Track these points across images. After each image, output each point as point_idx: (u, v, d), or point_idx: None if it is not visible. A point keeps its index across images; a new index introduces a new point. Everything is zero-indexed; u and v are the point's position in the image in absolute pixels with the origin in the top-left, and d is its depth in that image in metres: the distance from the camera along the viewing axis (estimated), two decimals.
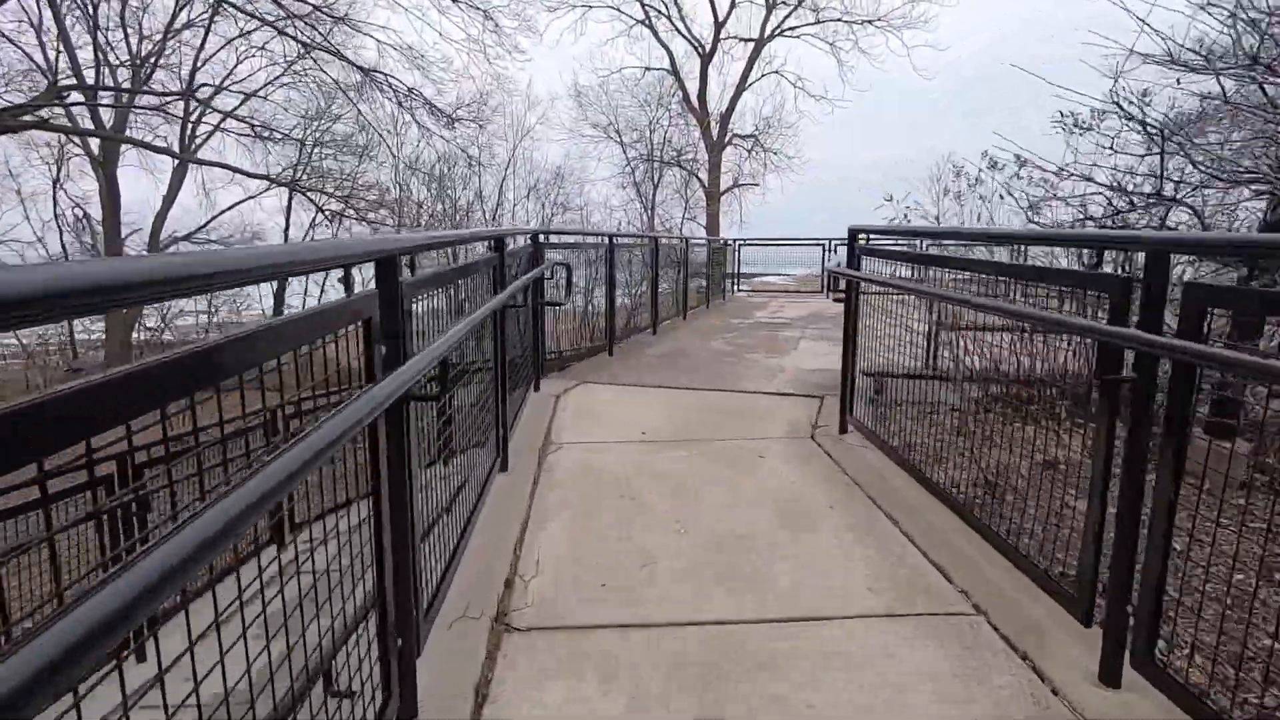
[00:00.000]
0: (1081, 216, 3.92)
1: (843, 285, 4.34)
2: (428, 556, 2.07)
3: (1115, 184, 3.81)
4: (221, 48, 19.67)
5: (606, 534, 2.81)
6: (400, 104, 13.71)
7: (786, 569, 2.51)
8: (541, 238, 5.21)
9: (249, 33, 18.52)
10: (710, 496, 3.19)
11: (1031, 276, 2.34)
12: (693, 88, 23.39)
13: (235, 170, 17.09)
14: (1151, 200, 3.75)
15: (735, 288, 14.68)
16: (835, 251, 14.04)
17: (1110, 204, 3.79)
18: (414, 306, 1.96)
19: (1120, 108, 4.12)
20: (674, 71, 23.31)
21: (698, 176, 23.88)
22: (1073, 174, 3.94)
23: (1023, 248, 4.14)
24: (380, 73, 13.60)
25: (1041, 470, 3.06)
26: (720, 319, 10.24)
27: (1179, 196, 3.75)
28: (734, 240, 14.41)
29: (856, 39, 21.95)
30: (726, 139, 23.44)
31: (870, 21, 21.48)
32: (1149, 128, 4.10)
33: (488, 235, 3.19)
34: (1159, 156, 3.87)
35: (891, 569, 2.52)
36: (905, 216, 5.21)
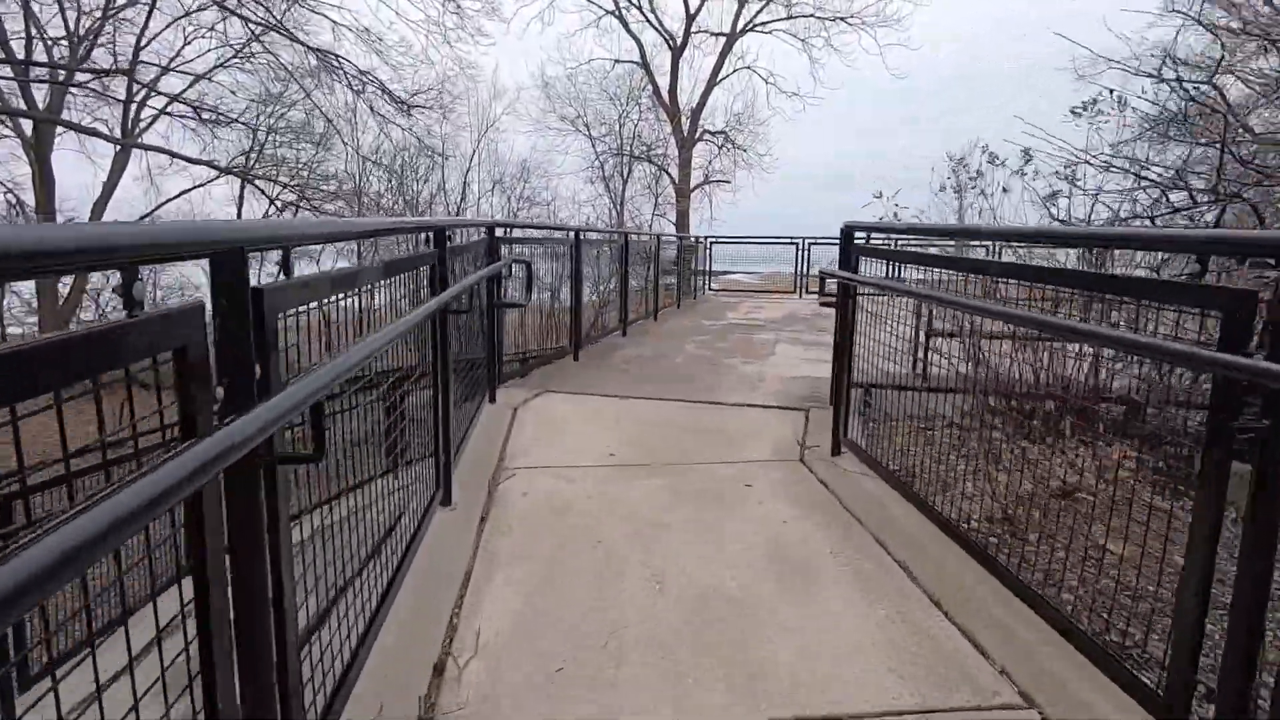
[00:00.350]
0: (1123, 213, 3.53)
1: (832, 286, 3.90)
2: (319, 660, 1.54)
3: (1175, 176, 3.43)
4: (166, 27, 18.61)
5: (566, 593, 2.31)
6: (353, 88, 12.90)
7: (786, 643, 2.04)
8: (500, 232, 4.68)
9: (194, 11, 17.50)
10: (690, 539, 2.71)
11: (1107, 288, 1.89)
12: (663, 82, 22.93)
13: (176, 156, 16.11)
14: (1212, 196, 3.38)
15: (707, 286, 14.26)
16: (809, 251, 13.71)
17: (1164, 198, 3.41)
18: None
19: (1182, 88, 3.75)
20: (644, 64, 22.80)
21: (668, 172, 23.42)
22: (1121, 168, 3.55)
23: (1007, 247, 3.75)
24: (333, 54, 12.78)
25: (1082, 505, 2.65)
26: (692, 320, 9.80)
27: (1240, 192, 3.39)
28: (705, 238, 13.98)
29: (829, 36, 21.71)
30: (697, 135, 23.02)
31: (843, 18, 21.24)
32: (1210, 109, 3.73)
33: (423, 226, 2.65)
34: (1220, 147, 3.50)
35: (914, 641, 2.07)
36: (895, 214, 4.80)
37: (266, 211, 22.87)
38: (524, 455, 3.65)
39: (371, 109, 13.21)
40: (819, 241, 13.68)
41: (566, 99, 23.65)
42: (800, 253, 13.63)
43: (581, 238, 6.35)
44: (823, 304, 4.19)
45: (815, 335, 8.29)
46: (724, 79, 22.79)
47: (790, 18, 21.85)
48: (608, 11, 22.25)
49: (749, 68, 22.71)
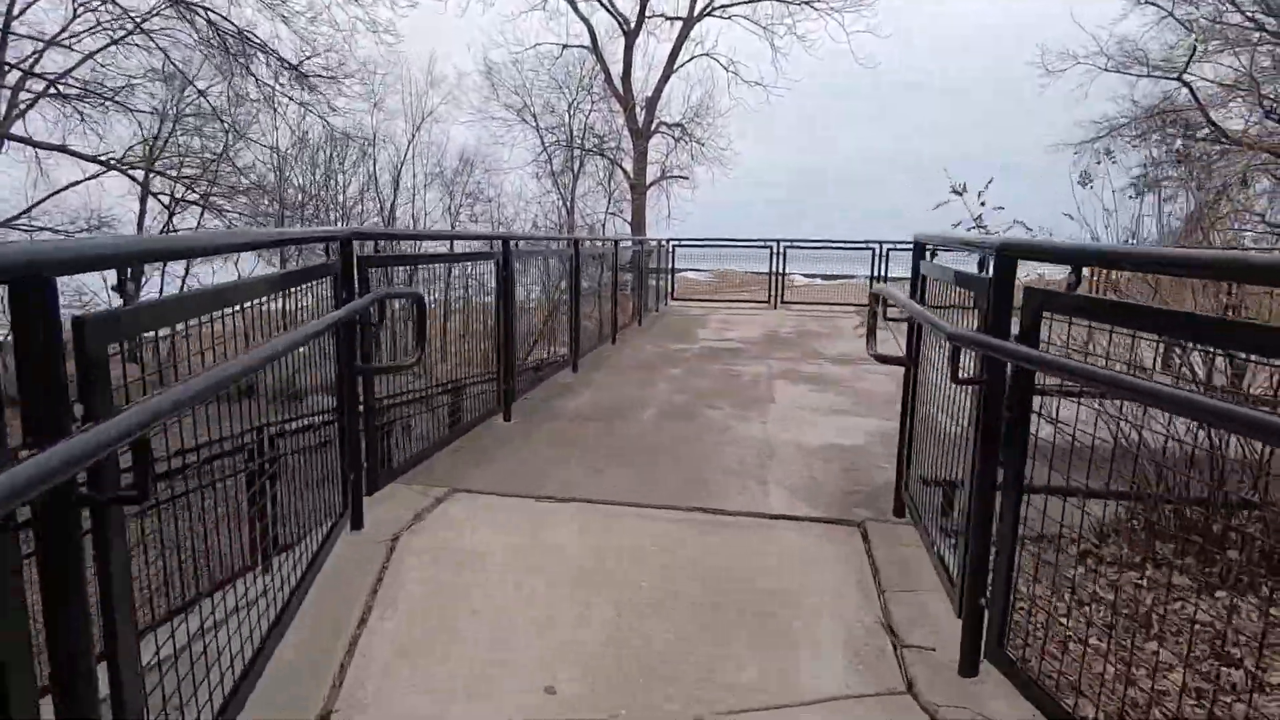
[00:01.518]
0: None
1: (890, 340, 2.24)
2: None
3: None
4: (34, 2, 15.88)
5: None
6: (229, 50, 10.53)
7: None
8: (366, 246, 2.87)
9: None
10: None
11: None
12: (616, 70, 21.12)
13: (31, 143, 13.57)
14: None
15: (670, 295, 12.56)
16: (784, 254, 12.14)
17: None
18: None
19: None
20: (595, 50, 20.95)
21: (621, 167, 21.64)
22: None
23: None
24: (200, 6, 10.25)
25: None
26: (658, 343, 8.08)
27: None
28: (668, 240, 12.28)
29: (794, 21, 20.23)
30: (653, 127, 21.30)
31: (808, 2, 19.79)
32: None
33: None
34: None
35: None
36: (979, 219, 3.20)
37: (170, 214, 20.39)
38: (378, 700, 1.86)
39: (253, 75, 10.90)
40: (796, 245, 12.14)
41: (511, 87, 21.70)
42: (775, 257, 12.05)
43: (513, 248, 4.56)
44: (880, 359, 2.47)
45: (815, 366, 6.68)
46: (681, 67, 21.10)
47: (751, 1, 20.31)
48: None
49: (708, 55, 21.08)
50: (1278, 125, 17.55)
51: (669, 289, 12.61)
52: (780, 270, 12.22)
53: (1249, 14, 18.56)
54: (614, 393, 5.40)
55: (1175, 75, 20.09)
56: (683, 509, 3.12)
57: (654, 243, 11.23)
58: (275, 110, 12.28)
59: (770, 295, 12.17)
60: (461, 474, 3.49)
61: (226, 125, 14.20)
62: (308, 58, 10.91)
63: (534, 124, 21.48)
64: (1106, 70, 21.03)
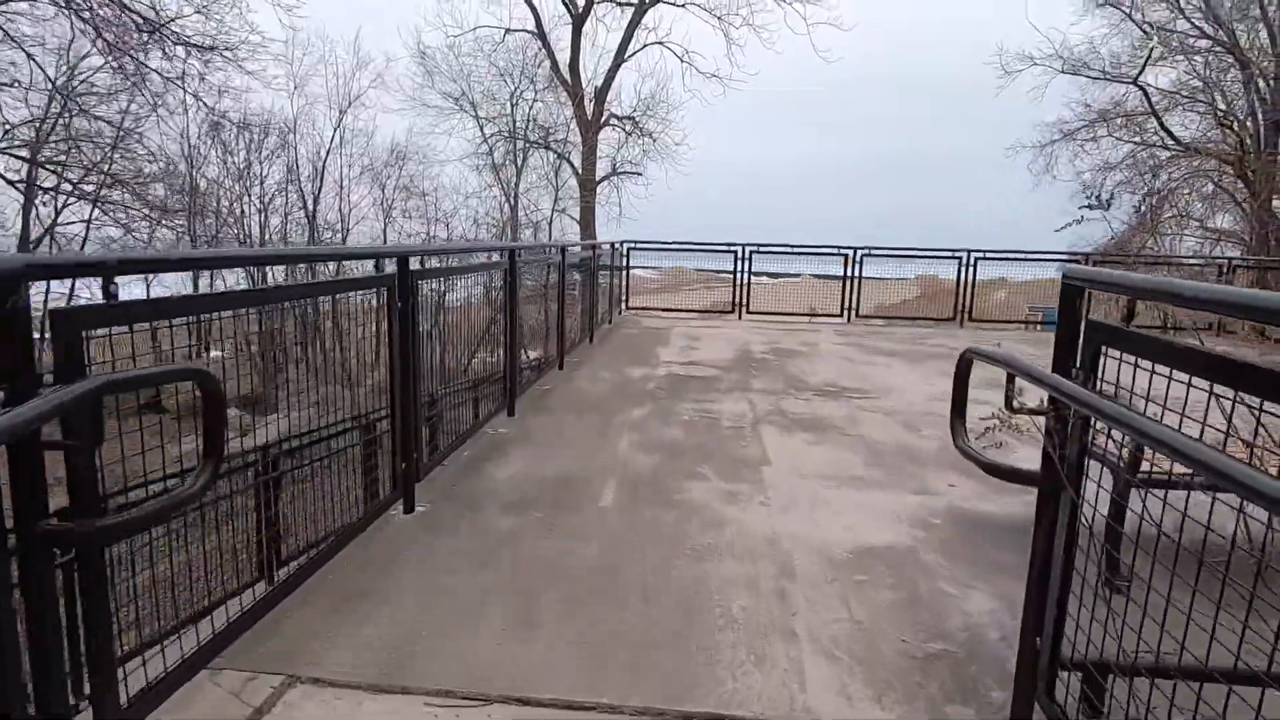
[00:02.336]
0: None
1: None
2: None
3: None
4: None
5: None
6: (72, 6, 8.64)
7: None
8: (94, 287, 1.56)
9: None
10: None
11: None
12: (563, 58, 19.72)
13: None
14: None
15: (625, 303, 11.32)
16: (750, 259, 11.02)
17: None
18: None
19: None
20: (540, 35, 19.52)
21: (569, 161, 20.29)
22: None
23: None
24: None
25: None
26: (614, 368, 6.83)
27: None
28: (622, 243, 11.03)
29: (751, 11, 19.16)
30: (603, 119, 20.00)
31: None
32: None
33: None
34: None
35: None
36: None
37: (58, 211, 18.28)
38: None
39: (109, 44, 9.03)
40: (763, 249, 11.04)
41: (449, 74, 20.12)
42: (740, 261, 10.91)
43: (417, 268, 3.25)
44: (993, 471, 1.14)
45: (803, 401, 5.54)
46: (632, 56, 19.83)
47: None
48: None
49: (660, 43, 19.85)
50: (1229, 131, 17.47)
51: (624, 296, 11.38)
52: (745, 275, 11.09)
53: (1194, 21, 18.46)
54: (560, 452, 4.14)
55: (1131, 79, 19.86)
56: (671, 715, 1.89)
57: (607, 246, 9.98)
58: (120, 67, 10.22)
59: (735, 305, 11.05)
60: (317, 637, 2.19)
61: (53, 92, 12.14)
62: (173, 19, 9.04)
63: (473, 113, 19.99)
64: (1063, 72, 20.74)
